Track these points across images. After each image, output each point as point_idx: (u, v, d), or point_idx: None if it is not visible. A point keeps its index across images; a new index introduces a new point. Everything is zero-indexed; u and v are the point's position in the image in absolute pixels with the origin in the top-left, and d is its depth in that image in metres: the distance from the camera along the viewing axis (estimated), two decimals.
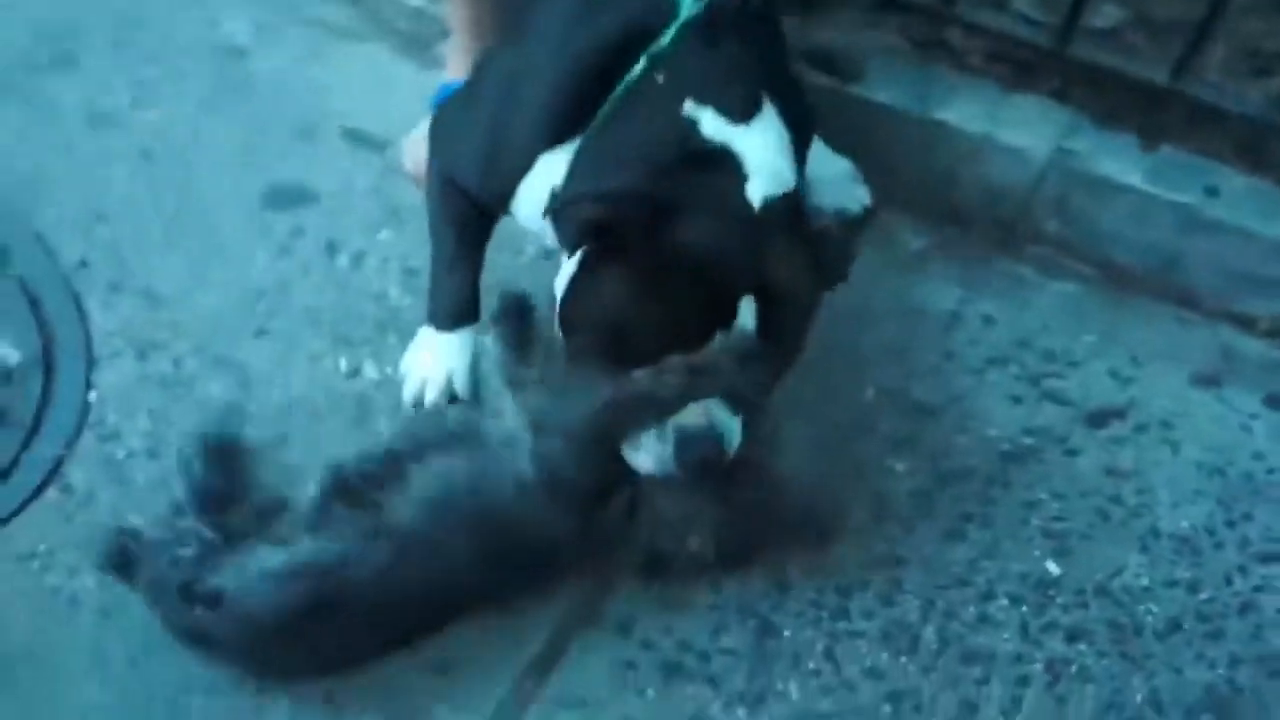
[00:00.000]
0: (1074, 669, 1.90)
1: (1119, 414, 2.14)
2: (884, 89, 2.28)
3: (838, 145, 2.22)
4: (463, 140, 1.92)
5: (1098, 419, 2.13)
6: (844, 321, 2.13)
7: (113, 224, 2.20)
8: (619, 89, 1.77)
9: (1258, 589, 1.98)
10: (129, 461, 1.99)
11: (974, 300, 2.24)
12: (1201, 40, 2.20)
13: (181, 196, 2.24)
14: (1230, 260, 2.22)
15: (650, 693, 1.85)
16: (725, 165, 1.73)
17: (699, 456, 1.72)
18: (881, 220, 2.27)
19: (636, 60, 1.75)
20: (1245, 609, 1.96)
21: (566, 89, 1.78)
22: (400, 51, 2.45)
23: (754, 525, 1.92)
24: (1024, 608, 1.94)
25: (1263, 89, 2.24)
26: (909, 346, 2.18)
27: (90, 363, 2.09)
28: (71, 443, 2.01)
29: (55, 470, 1.99)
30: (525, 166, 1.82)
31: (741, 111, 1.74)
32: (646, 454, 1.74)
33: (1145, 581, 1.98)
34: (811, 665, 1.88)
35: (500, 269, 2.03)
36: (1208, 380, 2.18)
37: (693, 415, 1.71)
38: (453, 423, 1.89)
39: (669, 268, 1.66)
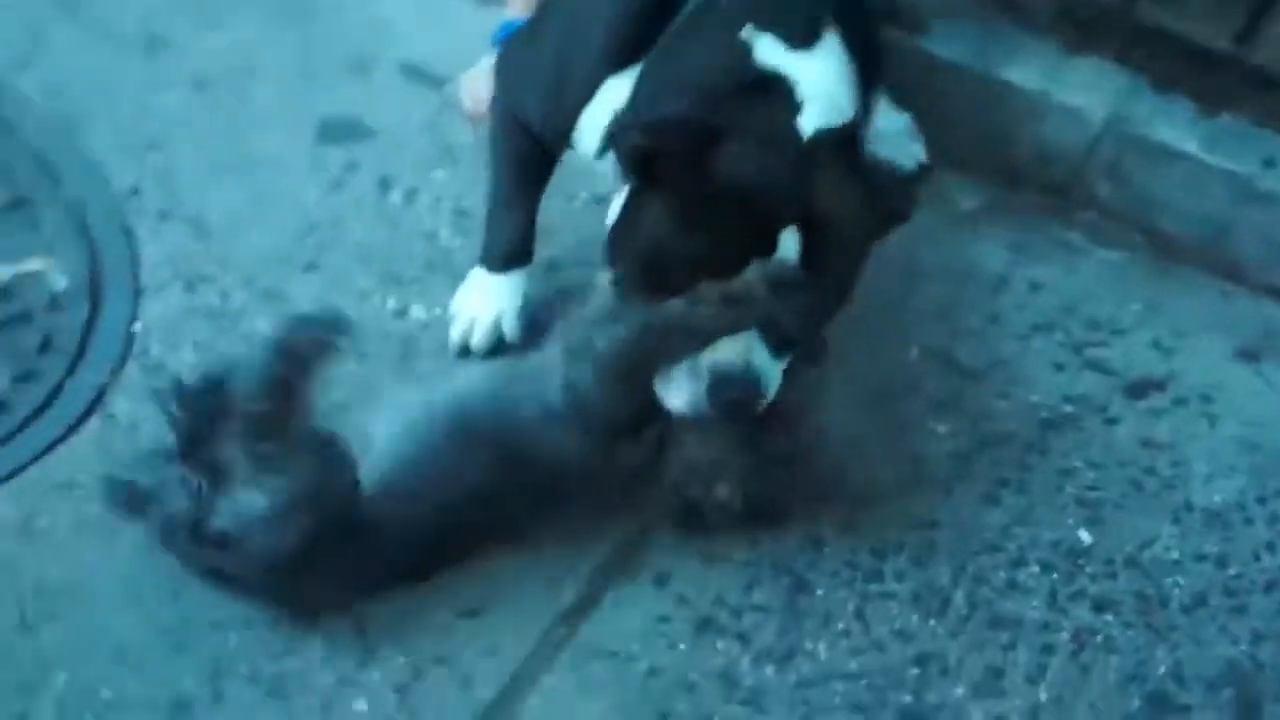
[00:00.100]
0: (1099, 639, 1.87)
1: (1159, 385, 2.09)
2: (948, 44, 2.22)
3: (896, 99, 2.13)
4: (527, 73, 1.87)
5: (1138, 389, 2.08)
6: (891, 279, 2.08)
7: (165, 151, 2.15)
8: (683, 11, 1.71)
9: None
10: None
11: (1022, 264, 2.19)
12: (1265, 8, 2.12)
13: (235, 126, 2.19)
14: (1279, 234, 2.16)
15: (682, 646, 1.83)
16: (778, 92, 1.66)
17: (733, 397, 1.66)
18: (935, 178, 2.19)
19: None
20: (1271, 586, 1.93)
21: (630, 13, 1.73)
22: None
23: (784, 479, 1.87)
24: (1054, 575, 1.91)
25: None
26: (955, 307, 2.13)
27: (137, 292, 2.04)
28: (116, 372, 1.97)
29: (98, 399, 1.95)
30: (589, 94, 1.76)
31: (802, 37, 1.67)
32: (679, 390, 1.68)
33: (1175, 554, 1.95)
34: (841, 625, 1.86)
35: (553, 213, 1.98)
36: (1249, 355, 2.13)
37: (730, 355, 1.65)
38: None
39: (710, 196, 1.60)
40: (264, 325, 1.99)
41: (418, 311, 2.05)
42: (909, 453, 2.00)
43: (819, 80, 1.67)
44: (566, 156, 1.90)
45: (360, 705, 1.76)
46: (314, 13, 2.34)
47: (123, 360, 1.99)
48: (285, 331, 1.71)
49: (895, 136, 2.17)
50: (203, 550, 1.71)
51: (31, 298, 2.02)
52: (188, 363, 1.97)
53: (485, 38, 2.14)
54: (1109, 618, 1.89)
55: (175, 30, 2.29)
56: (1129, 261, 2.21)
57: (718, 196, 1.60)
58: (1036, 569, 1.92)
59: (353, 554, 1.72)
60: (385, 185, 2.16)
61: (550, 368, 1.76)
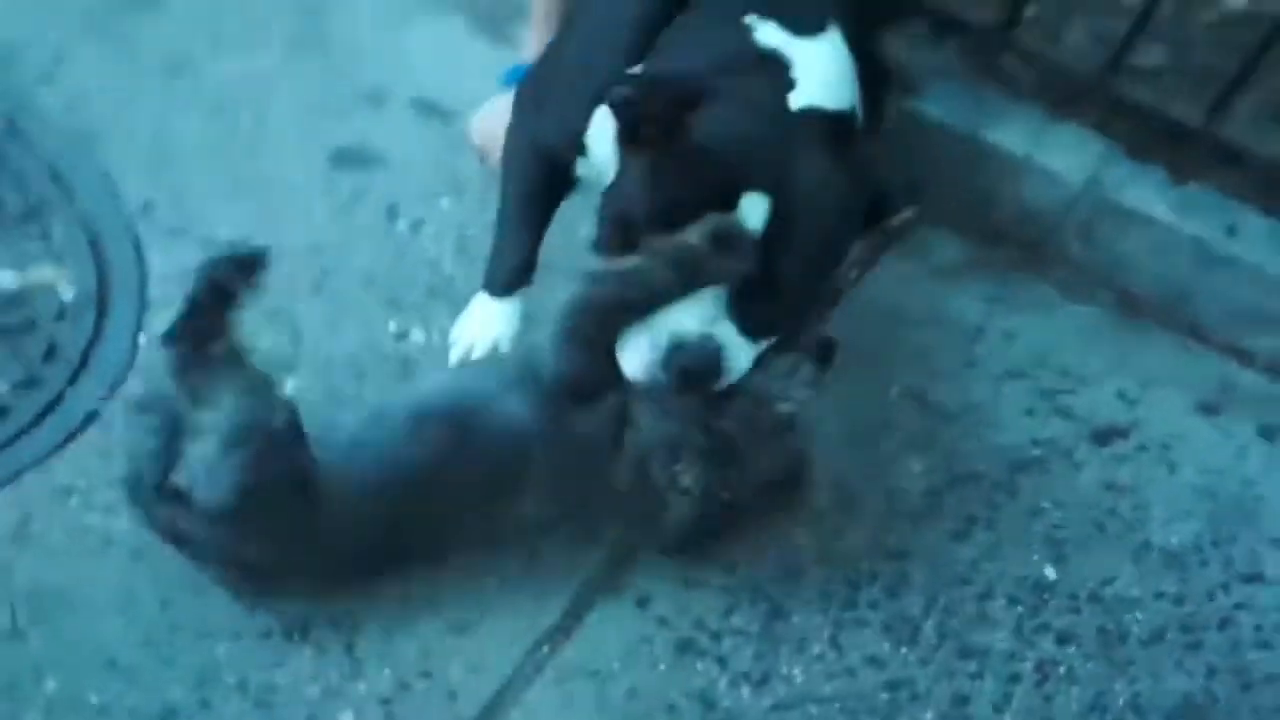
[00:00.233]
0: (1062, 670, 1.88)
1: (1122, 433, 2.11)
2: (937, 105, 2.24)
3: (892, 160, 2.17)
4: (545, 90, 1.86)
5: (1103, 436, 2.10)
6: (874, 324, 2.11)
7: (180, 170, 2.14)
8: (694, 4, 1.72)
9: (1238, 606, 1.96)
10: None
11: (998, 315, 2.20)
12: (1234, 87, 2.17)
13: (249, 149, 2.18)
14: (1239, 296, 2.18)
15: (662, 667, 1.82)
16: (772, 68, 1.65)
17: (687, 365, 1.62)
18: (920, 230, 2.22)
19: None
20: (1225, 623, 1.95)
21: (642, 15, 1.73)
22: (475, 27, 2.37)
23: (743, 473, 1.76)
24: (1020, 609, 1.92)
25: None
26: (934, 352, 2.14)
27: (143, 306, 2.02)
28: (117, 384, 1.95)
29: (99, 409, 1.93)
30: (600, 95, 1.71)
31: (803, 26, 1.67)
32: (635, 354, 1.64)
33: (1135, 592, 1.96)
34: (816, 650, 1.85)
35: (554, 250, 1.95)
36: (1208, 408, 2.15)
37: (691, 322, 1.61)
38: None
39: (682, 153, 1.57)
40: (267, 342, 1.95)
41: (417, 335, 2.04)
42: (885, 487, 2.00)
43: (816, 64, 1.66)
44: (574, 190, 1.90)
45: (346, 717, 1.74)
46: (332, 45, 2.33)
47: (125, 372, 1.97)
48: (206, 263, 1.67)
49: None
50: (163, 509, 1.67)
51: (39, 306, 2.00)
52: None
53: (496, 76, 2.16)
54: (1071, 650, 1.90)
55: (197, 55, 2.28)
56: (1098, 316, 2.22)
57: (689, 154, 1.57)
58: (1004, 602, 1.92)
59: (307, 524, 1.68)
60: (392, 213, 2.16)
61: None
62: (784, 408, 1.69)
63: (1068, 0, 2.32)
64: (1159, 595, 1.97)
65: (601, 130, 1.72)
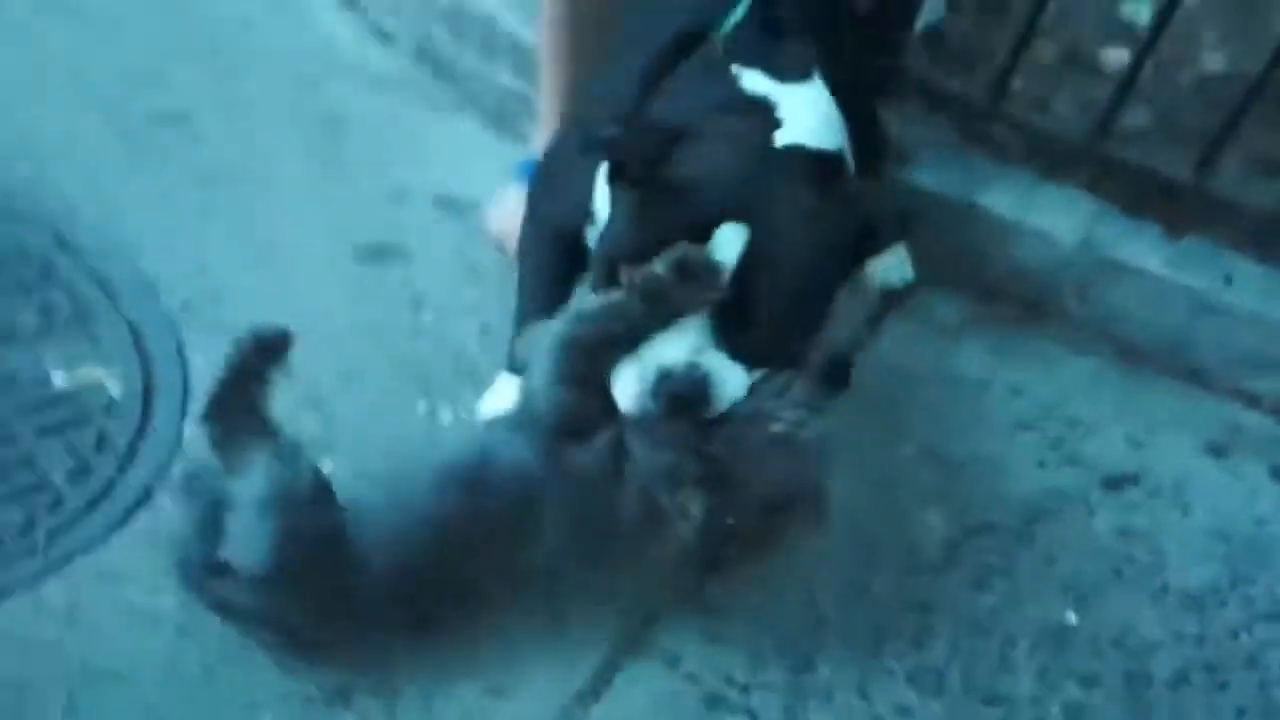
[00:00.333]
0: (1088, 714, 1.89)
1: (1133, 479, 2.15)
2: (930, 174, 2.33)
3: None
4: (550, 175, 1.96)
5: (1114, 482, 2.14)
6: (884, 382, 2.18)
7: (216, 272, 2.24)
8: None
9: (1263, 645, 1.98)
10: None
11: (1002, 369, 2.26)
12: (1220, 145, 2.25)
13: (280, 249, 2.28)
14: (1240, 342, 2.25)
15: None
16: (757, 110, 1.68)
17: (674, 392, 1.65)
18: (921, 293, 2.30)
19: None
20: (1251, 664, 1.97)
21: (637, 84, 1.80)
22: (489, 126, 2.50)
23: (742, 495, 1.75)
24: (1042, 655, 1.94)
25: (1272, 190, 2.31)
26: (943, 408, 2.20)
27: (186, 397, 2.11)
28: (163, 471, 2.03)
29: (146, 496, 2.00)
30: (594, 172, 1.78)
31: (787, 73, 1.71)
32: (626, 386, 1.67)
33: (1157, 634, 1.99)
34: (844, 701, 1.88)
35: None
36: (1217, 451, 2.20)
37: (677, 352, 1.64)
38: None
39: (664, 188, 1.61)
40: (303, 425, 2.03)
41: (445, 415, 2.11)
42: (903, 539, 2.05)
43: (802, 107, 1.70)
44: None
45: None
46: (356, 150, 2.45)
47: (170, 460, 2.04)
48: (234, 346, 1.77)
49: (885, 255, 2.26)
50: (211, 582, 1.74)
51: (89, 402, 2.08)
52: None
53: (510, 171, 2.26)
54: (1097, 694, 1.92)
55: (227, 165, 2.39)
56: (1101, 367, 2.28)
57: (669, 188, 1.62)
58: (1026, 649, 1.95)
59: (342, 582, 1.73)
60: (418, 302, 2.25)
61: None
62: (776, 428, 1.69)
63: (1052, 71, 2.45)
64: (1181, 637, 1.99)
65: (603, 188, 1.78)
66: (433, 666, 1.86)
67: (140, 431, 2.08)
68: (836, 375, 1.77)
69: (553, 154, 2.02)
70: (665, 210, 1.62)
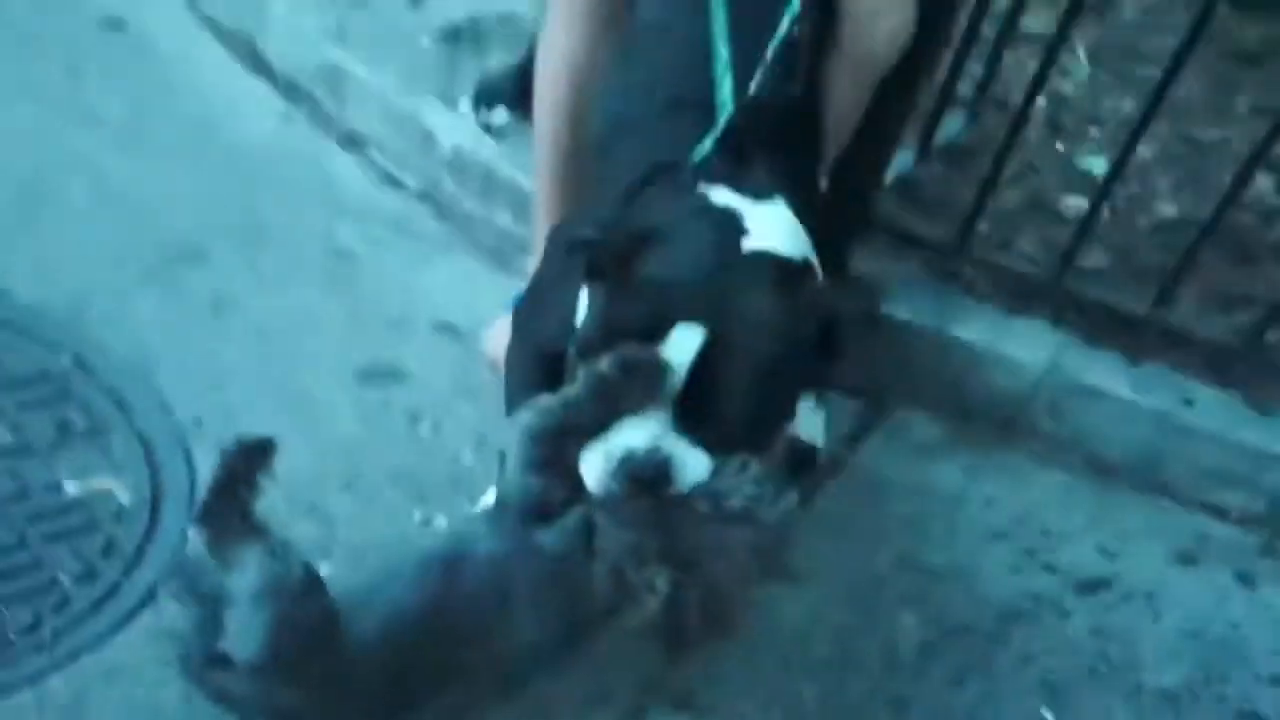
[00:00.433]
0: None
1: (1106, 584, 2.22)
2: (905, 307, 2.46)
3: (864, 354, 2.35)
4: (533, 301, 2.07)
5: (1087, 587, 2.21)
6: (861, 495, 2.27)
7: (226, 391, 2.35)
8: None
9: None
10: None
11: (976, 484, 2.35)
12: (1175, 281, 2.41)
13: (288, 371, 2.39)
14: (1204, 459, 2.34)
15: None
16: (725, 220, 1.75)
17: (635, 474, 1.70)
18: (899, 415, 2.42)
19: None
20: None
21: (614, 204, 1.88)
22: (487, 262, 2.64)
23: (704, 569, 1.77)
24: None
25: (1227, 322, 2.45)
26: (920, 519, 2.28)
27: (193, 506, 2.19)
28: (168, 574, 2.08)
29: (151, 596, 2.08)
30: (577, 292, 1.86)
31: (754, 193, 1.79)
32: (591, 469, 1.73)
33: None
34: None
35: None
36: (1186, 558, 2.27)
37: (638, 436, 1.70)
38: None
39: (630, 288, 1.69)
40: (302, 531, 2.13)
41: (441, 522, 2.20)
42: (881, 640, 2.10)
43: (767, 220, 1.77)
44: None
45: None
46: (361, 282, 2.58)
47: (176, 563, 2.11)
48: (222, 454, 1.82)
49: (806, 414, 2.26)
50: (210, 674, 1.78)
51: (99, 510, 2.17)
52: None
53: (505, 299, 2.37)
54: None
55: (240, 294, 2.51)
56: (1072, 481, 2.37)
57: (634, 287, 1.70)
58: None
59: (335, 669, 1.77)
60: (415, 418, 2.35)
61: None
62: (733, 503, 1.74)
63: (1016, 216, 2.60)
64: None
65: (585, 297, 1.86)
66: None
67: (148, 536, 2.16)
68: (802, 458, 1.87)
69: (539, 276, 2.14)
70: (628, 308, 1.72)
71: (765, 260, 1.73)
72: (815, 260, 1.83)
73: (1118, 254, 2.54)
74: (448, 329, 2.50)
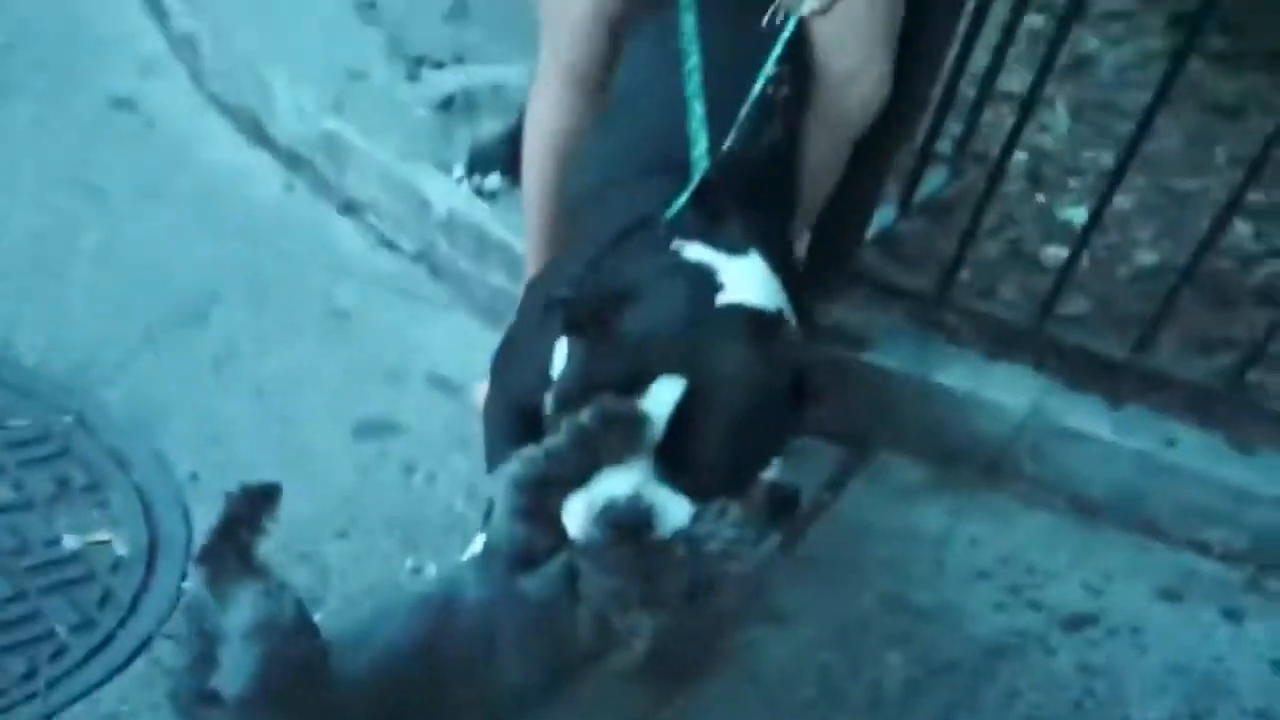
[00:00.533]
0: None
1: (1092, 620, 2.23)
2: (888, 355, 2.50)
3: (850, 402, 2.40)
4: (509, 354, 2.11)
5: (1073, 624, 2.22)
6: (845, 538, 2.30)
7: (223, 446, 2.39)
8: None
9: None
10: None
11: (961, 524, 2.37)
12: (1154, 327, 2.44)
13: (285, 426, 2.44)
14: (1187, 497, 2.36)
15: None
16: (700, 275, 1.79)
17: (616, 522, 1.72)
18: (880, 458, 2.45)
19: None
20: None
21: (589, 261, 1.90)
22: (480, 318, 2.69)
23: (684, 615, 1.80)
24: None
25: (1208, 365, 2.48)
26: (905, 560, 2.30)
27: (188, 558, 2.22)
28: (163, 623, 2.15)
29: (146, 645, 2.12)
30: (552, 344, 1.90)
31: (728, 248, 1.83)
32: (573, 516, 1.75)
33: None
34: None
35: None
36: (1171, 595, 2.28)
37: (619, 484, 1.73)
38: None
39: (610, 343, 1.73)
40: (297, 579, 2.11)
41: (432, 569, 2.23)
42: (867, 679, 2.12)
43: (742, 273, 1.81)
44: None
45: None
46: (358, 339, 2.63)
47: (170, 614, 2.16)
48: (226, 497, 1.87)
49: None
50: (201, 711, 1.79)
51: (96, 562, 2.22)
52: None
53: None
54: None
55: (240, 353, 2.56)
56: (1056, 521, 2.39)
57: (614, 342, 1.74)
58: None
59: (324, 708, 1.78)
60: (410, 469, 2.39)
61: None
62: (712, 547, 1.76)
63: (997, 265, 2.65)
64: None
65: (562, 352, 1.90)
66: None
67: (144, 587, 2.21)
68: (783, 502, 1.91)
69: (513, 329, 2.18)
70: (608, 362, 1.76)
71: (739, 313, 1.77)
72: (790, 312, 1.87)
73: (1098, 301, 2.57)
74: (442, 384, 2.55)
